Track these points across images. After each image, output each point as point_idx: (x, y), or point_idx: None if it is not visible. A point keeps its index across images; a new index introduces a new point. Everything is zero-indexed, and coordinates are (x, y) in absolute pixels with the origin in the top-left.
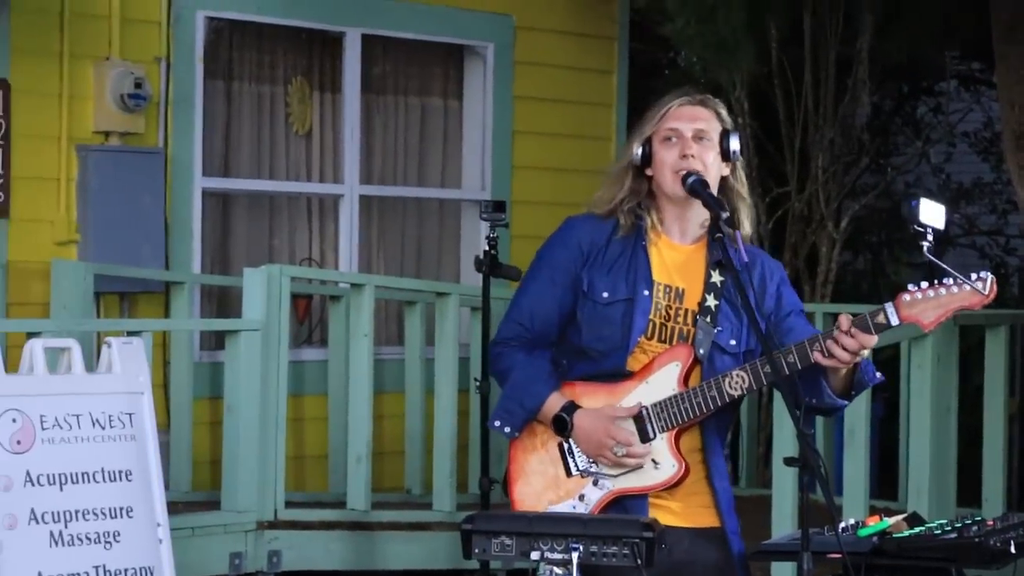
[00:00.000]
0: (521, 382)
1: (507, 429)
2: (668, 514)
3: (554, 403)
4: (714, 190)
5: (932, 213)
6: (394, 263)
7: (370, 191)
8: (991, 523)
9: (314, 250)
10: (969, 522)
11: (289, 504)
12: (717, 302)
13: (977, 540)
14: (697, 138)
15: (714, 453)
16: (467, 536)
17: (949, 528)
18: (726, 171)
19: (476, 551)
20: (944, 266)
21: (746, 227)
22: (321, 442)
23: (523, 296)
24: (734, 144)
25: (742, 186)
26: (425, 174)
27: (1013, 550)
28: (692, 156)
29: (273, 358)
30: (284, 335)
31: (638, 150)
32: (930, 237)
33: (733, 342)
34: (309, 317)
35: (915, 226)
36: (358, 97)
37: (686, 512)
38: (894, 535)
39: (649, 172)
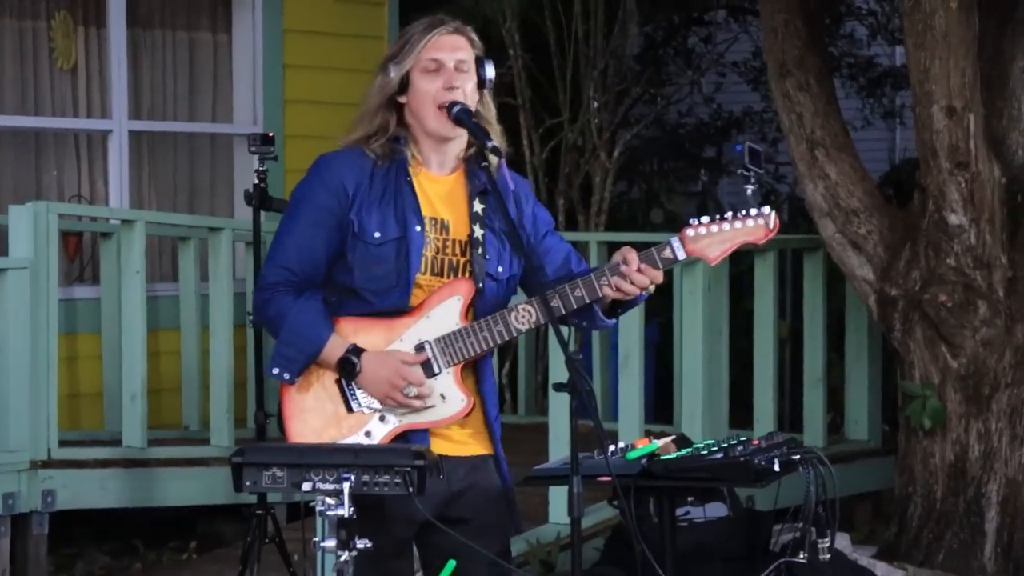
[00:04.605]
0: (297, 327)
1: (286, 376)
2: (447, 443)
3: (336, 345)
4: None
5: (754, 156)
6: (166, 199)
7: (139, 126)
8: (756, 442)
9: (83, 187)
10: (735, 442)
11: (63, 443)
12: (483, 231)
13: (742, 459)
14: (458, 69)
15: (486, 382)
16: (237, 469)
17: (716, 448)
18: (477, 97)
19: (247, 484)
20: (759, 207)
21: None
22: (96, 380)
23: (287, 239)
24: (490, 72)
25: (490, 111)
26: (196, 109)
27: (777, 468)
28: (457, 88)
29: (43, 296)
30: (53, 273)
31: (396, 80)
32: (753, 180)
33: (500, 268)
34: (80, 254)
35: (741, 170)
36: (124, 32)
37: (463, 441)
38: (662, 457)
39: (402, 101)
